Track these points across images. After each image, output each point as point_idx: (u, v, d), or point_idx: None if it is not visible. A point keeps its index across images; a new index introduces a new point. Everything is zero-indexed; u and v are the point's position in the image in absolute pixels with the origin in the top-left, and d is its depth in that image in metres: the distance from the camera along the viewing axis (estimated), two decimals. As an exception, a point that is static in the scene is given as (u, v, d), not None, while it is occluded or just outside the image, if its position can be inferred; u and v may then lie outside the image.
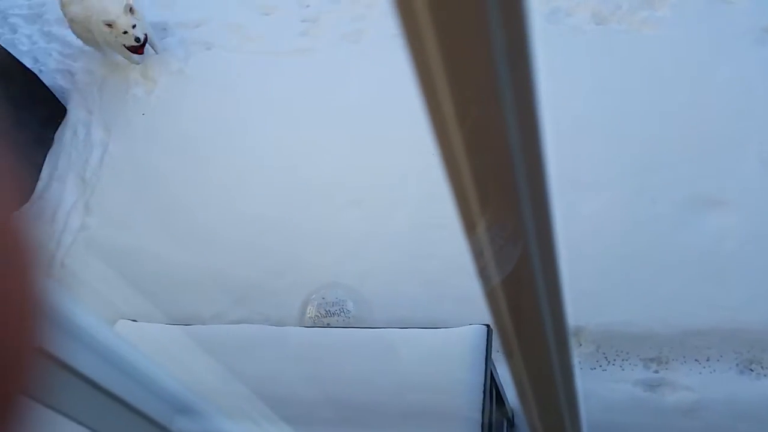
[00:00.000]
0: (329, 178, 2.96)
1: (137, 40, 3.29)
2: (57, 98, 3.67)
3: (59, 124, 3.62)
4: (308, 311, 2.56)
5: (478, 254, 0.54)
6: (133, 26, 3.26)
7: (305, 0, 3.78)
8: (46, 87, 3.63)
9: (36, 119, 3.53)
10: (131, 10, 3.25)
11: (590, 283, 2.35)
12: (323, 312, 2.53)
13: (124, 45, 3.35)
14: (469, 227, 0.51)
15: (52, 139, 3.59)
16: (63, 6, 3.50)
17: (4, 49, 3.46)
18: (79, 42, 3.79)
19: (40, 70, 3.81)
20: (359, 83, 3.25)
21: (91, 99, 3.70)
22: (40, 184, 3.43)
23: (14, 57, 3.50)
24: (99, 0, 3.29)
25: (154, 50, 3.60)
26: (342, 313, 2.52)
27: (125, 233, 3.10)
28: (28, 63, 3.69)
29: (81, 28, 3.47)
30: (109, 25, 3.25)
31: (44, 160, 3.52)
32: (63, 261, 3.07)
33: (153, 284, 2.78)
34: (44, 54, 3.96)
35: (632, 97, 2.88)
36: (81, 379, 0.70)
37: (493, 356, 1.66)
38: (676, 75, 2.91)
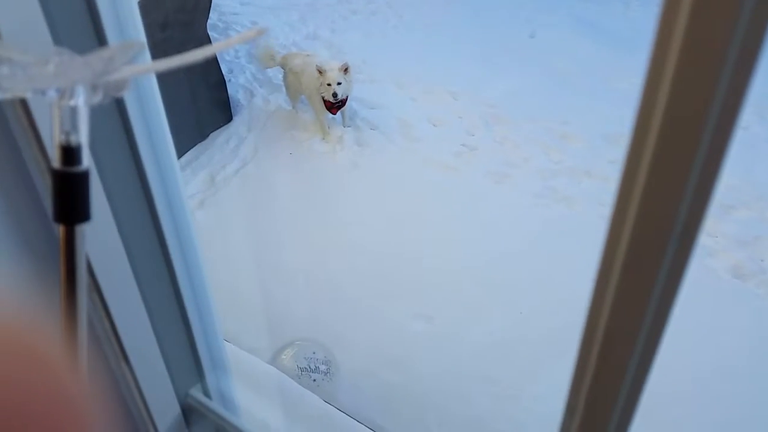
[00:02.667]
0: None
1: (334, 95, 3.59)
2: (230, 107, 4.07)
3: (220, 127, 3.98)
4: (285, 354, 2.56)
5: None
6: (339, 83, 3.57)
7: (473, 129, 4.02)
8: (227, 94, 4.05)
9: (204, 114, 3.91)
10: (346, 70, 3.59)
11: None
12: (298, 361, 2.53)
13: (323, 96, 3.68)
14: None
15: (207, 135, 3.94)
16: (285, 59, 3.97)
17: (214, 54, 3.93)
18: (271, 71, 4.24)
19: (230, 80, 4.26)
20: (483, 220, 3.33)
21: (255, 121, 4.05)
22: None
23: (217, 61, 3.97)
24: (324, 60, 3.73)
25: (346, 123, 3.93)
26: (314, 372, 2.52)
27: (218, 242, 3.25)
28: (224, 70, 4.15)
29: (293, 78, 3.90)
30: (321, 72, 3.60)
31: (190, 149, 3.85)
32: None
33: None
34: (240, 69, 4.45)
35: (739, 358, 2.71)
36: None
37: None
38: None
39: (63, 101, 0.43)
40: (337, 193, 3.51)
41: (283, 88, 4.27)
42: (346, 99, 3.72)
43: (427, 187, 3.57)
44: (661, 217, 0.41)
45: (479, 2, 5.77)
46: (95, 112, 0.47)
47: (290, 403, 1.80)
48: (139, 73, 0.51)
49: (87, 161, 0.43)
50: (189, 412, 0.84)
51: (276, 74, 4.45)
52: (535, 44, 5.28)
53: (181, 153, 3.79)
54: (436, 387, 2.55)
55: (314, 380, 2.48)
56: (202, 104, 3.87)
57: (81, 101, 0.43)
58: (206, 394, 0.86)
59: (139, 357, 0.72)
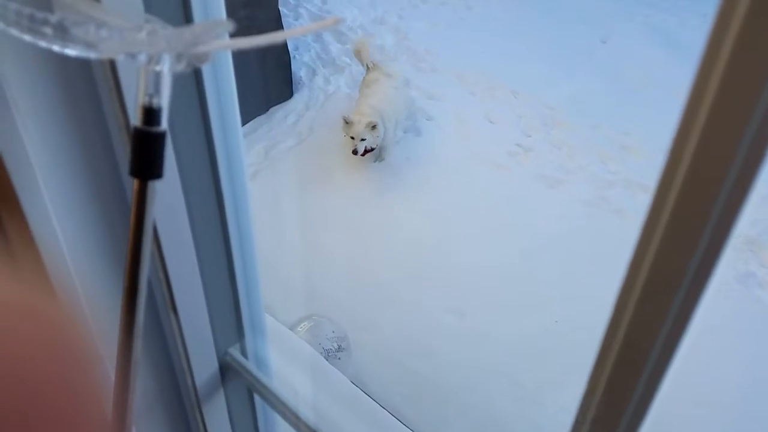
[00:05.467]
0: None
1: (354, 152, 3.39)
2: (292, 83, 4.14)
3: (280, 102, 4.06)
4: (301, 327, 2.59)
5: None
6: (362, 139, 3.36)
7: (530, 130, 3.97)
8: (291, 71, 4.12)
9: (267, 88, 3.99)
10: (373, 127, 3.35)
11: None
12: (312, 335, 2.56)
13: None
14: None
15: (268, 110, 4.03)
16: (369, 66, 3.84)
17: (282, 27, 4.01)
18: (335, 52, 4.29)
19: (294, 56, 4.33)
20: (528, 223, 3.29)
21: (314, 100, 4.11)
22: (235, 135, 3.83)
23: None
24: (374, 102, 3.49)
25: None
26: (330, 348, 2.54)
27: (264, 214, 3.33)
28: (290, 46, 4.22)
29: (364, 86, 3.78)
30: (347, 122, 3.41)
31: (250, 120, 3.94)
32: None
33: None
34: (306, 47, 4.51)
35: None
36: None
37: None
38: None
39: (150, 66, 0.46)
40: (385, 180, 3.54)
41: (345, 72, 4.31)
42: (370, 150, 3.49)
43: (475, 183, 3.55)
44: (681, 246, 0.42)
45: (553, 1, 5.65)
46: (176, 79, 0.51)
47: (319, 377, 1.85)
48: (221, 49, 0.54)
49: (165, 123, 0.47)
50: (226, 368, 0.89)
51: (340, 55, 4.49)
52: (605, 50, 5.13)
53: (242, 124, 3.88)
54: (460, 382, 2.57)
55: (339, 359, 2.53)
56: (266, 79, 3.95)
57: (166, 68, 0.47)
58: (244, 354, 0.91)
59: (187, 309, 0.76)
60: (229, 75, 0.74)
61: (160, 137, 0.48)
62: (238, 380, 0.91)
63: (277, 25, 3.97)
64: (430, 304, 2.84)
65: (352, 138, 3.38)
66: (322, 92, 4.17)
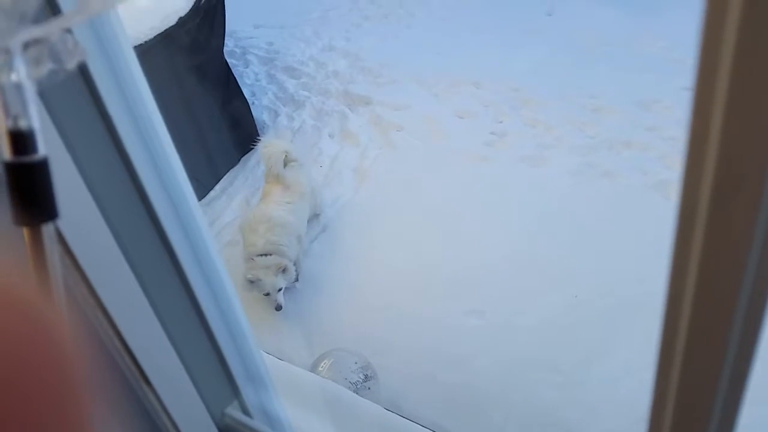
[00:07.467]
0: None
1: (278, 308, 2.78)
2: (257, 129, 4.10)
3: (250, 150, 4.01)
4: (322, 366, 2.49)
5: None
6: (279, 289, 2.77)
7: (501, 116, 3.94)
8: (252, 117, 4.09)
9: (233, 140, 3.95)
10: (284, 270, 2.77)
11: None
12: (336, 372, 2.46)
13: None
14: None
15: (239, 160, 3.98)
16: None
17: (234, 77, 3.99)
18: (292, 88, 4.26)
19: (253, 102, 4.30)
20: (522, 206, 3.24)
21: (283, 139, 4.07)
22: (212, 193, 3.76)
23: (238, 85, 4.02)
24: (270, 236, 2.82)
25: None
26: (368, 380, 2.44)
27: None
28: (246, 93, 4.19)
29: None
30: (252, 282, 2.75)
31: (224, 175, 3.89)
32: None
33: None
34: (262, 91, 4.49)
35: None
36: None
37: None
38: None
39: (2, 78, 0.37)
40: (372, 199, 3.48)
41: (306, 105, 4.29)
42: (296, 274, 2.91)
43: (461, 181, 3.50)
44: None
45: (490, -11, 5.68)
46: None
47: (347, 415, 1.76)
48: (73, 23, 0.43)
49: (43, 148, 0.38)
50: (227, 432, 0.81)
51: (297, 90, 4.47)
52: (553, 21, 5.15)
53: (215, 181, 3.83)
54: (498, 381, 2.48)
55: (369, 388, 2.44)
56: (229, 131, 3.91)
57: (23, 74, 0.38)
58: (245, 411, 0.82)
59: (162, 377, 0.69)
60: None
61: (41, 166, 0.38)
62: (248, 442, 0.83)
63: (228, 75, 3.94)
64: (447, 312, 2.76)
65: (267, 294, 2.76)
66: (289, 129, 4.14)
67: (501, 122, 3.91)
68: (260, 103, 4.37)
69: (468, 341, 2.64)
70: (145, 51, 3.03)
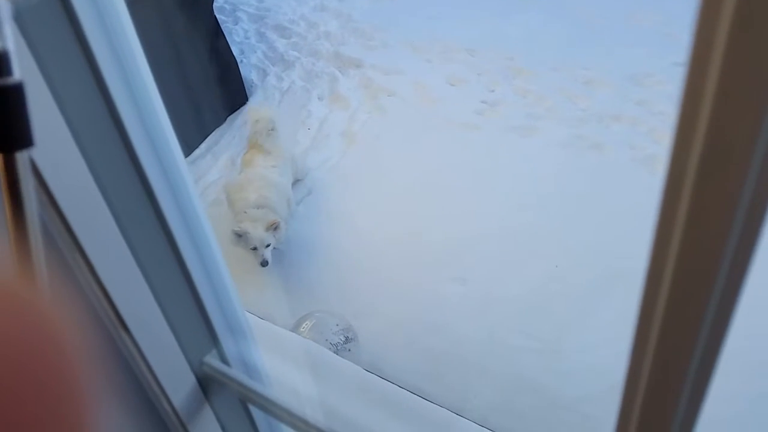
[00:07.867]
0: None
1: (264, 264, 2.72)
2: (245, 88, 4.02)
3: (236, 109, 3.94)
4: (303, 327, 2.51)
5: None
6: (267, 245, 2.72)
7: (493, 85, 3.90)
8: (240, 76, 4.00)
9: (220, 98, 3.88)
10: (276, 227, 2.73)
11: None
12: (317, 333, 2.48)
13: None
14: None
15: (225, 119, 3.91)
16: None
17: (223, 34, 3.89)
18: (282, 48, 4.17)
19: (241, 60, 4.21)
20: (510, 176, 3.23)
21: (271, 99, 4.00)
22: (197, 152, 3.71)
23: (227, 42, 3.92)
24: (255, 197, 2.79)
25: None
26: (338, 342, 2.46)
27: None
28: (235, 51, 4.10)
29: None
30: (239, 236, 2.72)
31: (210, 134, 3.83)
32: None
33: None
34: (251, 49, 4.39)
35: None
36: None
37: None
38: None
39: None
40: (359, 164, 3.45)
41: (296, 66, 4.21)
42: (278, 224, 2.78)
43: (450, 148, 3.48)
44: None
45: (489, -46, 5.55)
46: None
47: (331, 373, 1.78)
48: None
49: (17, 72, 0.36)
50: (206, 381, 0.80)
51: (287, 50, 4.38)
52: (551, -9, 5.06)
53: (201, 139, 3.78)
54: (477, 348, 2.51)
55: (349, 350, 2.46)
56: (216, 89, 3.84)
57: None
58: (224, 360, 0.82)
59: (140, 323, 0.68)
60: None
61: (16, 90, 0.37)
62: (224, 391, 0.82)
63: (217, 31, 3.84)
64: (430, 279, 2.77)
65: (254, 249, 2.71)
66: (277, 90, 4.06)
67: (493, 91, 3.87)
68: (249, 62, 4.28)
69: (450, 308, 2.66)
70: (134, 1, 2.94)
